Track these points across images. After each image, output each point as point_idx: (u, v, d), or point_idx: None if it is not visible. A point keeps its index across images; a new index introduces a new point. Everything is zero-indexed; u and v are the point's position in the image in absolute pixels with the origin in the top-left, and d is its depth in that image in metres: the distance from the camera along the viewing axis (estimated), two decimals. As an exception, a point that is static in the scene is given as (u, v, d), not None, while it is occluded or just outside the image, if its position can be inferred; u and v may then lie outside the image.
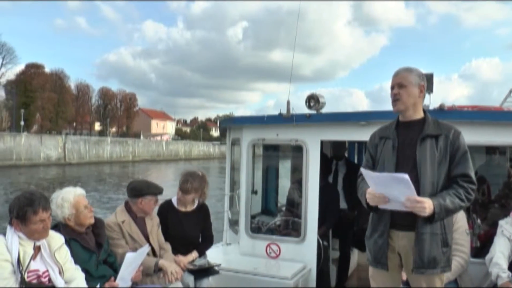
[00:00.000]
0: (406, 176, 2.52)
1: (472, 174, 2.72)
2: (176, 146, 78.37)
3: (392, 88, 2.82)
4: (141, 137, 77.75)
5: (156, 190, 3.82)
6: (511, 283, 3.24)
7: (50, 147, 52.16)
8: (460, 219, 3.65)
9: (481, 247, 3.96)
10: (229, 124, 5.31)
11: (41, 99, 63.46)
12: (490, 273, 3.40)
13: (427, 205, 2.56)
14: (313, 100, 4.47)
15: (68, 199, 3.24)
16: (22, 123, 55.74)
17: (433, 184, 2.68)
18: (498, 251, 3.42)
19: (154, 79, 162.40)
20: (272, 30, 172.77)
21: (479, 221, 4.34)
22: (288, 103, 4.57)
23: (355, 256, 6.06)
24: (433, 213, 2.58)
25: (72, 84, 74.51)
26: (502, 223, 3.62)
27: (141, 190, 3.77)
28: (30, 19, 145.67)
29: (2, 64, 61.95)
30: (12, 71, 64.22)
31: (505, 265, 3.34)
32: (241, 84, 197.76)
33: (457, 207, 2.67)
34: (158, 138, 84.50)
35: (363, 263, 5.74)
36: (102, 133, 76.89)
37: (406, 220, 2.71)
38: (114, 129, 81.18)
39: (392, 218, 2.77)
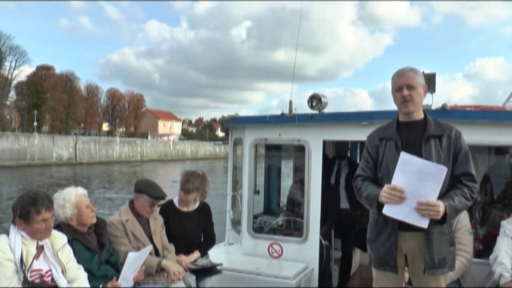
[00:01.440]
0: (445, 170, 2.51)
1: (474, 173, 2.68)
2: (183, 146, 78.56)
3: (400, 88, 2.73)
4: (149, 137, 77.67)
5: (153, 192, 3.68)
6: None
7: (62, 147, 52.57)
8: (463, 219, 3.59)
9: (484, 247, 3.89)
10: (231, 124, 5.24)
11: (52, 100, 63.55)
12: (494, 272, 3.34)
13: (441, 209, 2.52)
14: (315, 100, 4.41)
15: (70, 199, 3.20)
16: (35, 123, 55.90)
17: None
18: (503, 251, 3.37)
19: (158, 79, 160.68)
20: (276, 29, 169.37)
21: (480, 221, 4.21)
22: (290, 103, 4.49)
23: (358, 256, 5.97)
24: (445, 215, 2.54)
25: (81, 85, 74.66)
26: (504, 223, 3.57)
27: (139, 186, 3.72)
28: (34, 20, 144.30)
29: (15, 66, 62.12)
30: (23, 73, 64.47)
31: (509, 264, 3.29)
32: (245, 84, 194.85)
33: (464, 207, 2.65)
34: (165, 138, 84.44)
35: (366, 263, 5.63)
36: (109, 133, 76.87)
37: None
38: (121, 130, 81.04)
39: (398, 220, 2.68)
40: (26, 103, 59.80)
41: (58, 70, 68.03)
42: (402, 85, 2.72)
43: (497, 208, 4.53)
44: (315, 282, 4.41)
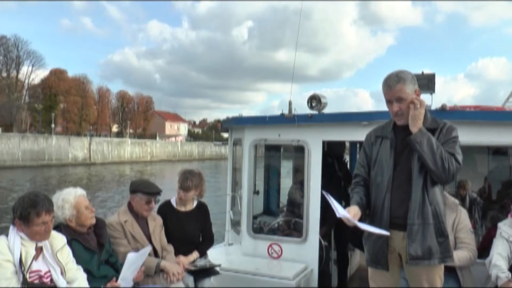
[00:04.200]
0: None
1: (459, 157, 2.51)
2: (190, 147, 78.79)
3: (390, 101, 2.60)
4: (157, 138, 77.52)
5: (147, 189, 3.57)
6: (511, 282, 3.07)
7: (77, 148, 53.36)
8: (464, 219, 3.52)
9: (484, 248, 3.72)
10: (231, 124, 5.07)
11: (66, 102, 63.56)
12: (490, 275, 3.24)
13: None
14: (315, 100, 4.27)
15: (69, 200, 3.09)
16: (52, 125, 56.17)
17: (426, 178, 2.53)
18: (497, 253, 3.28)
19: (159, 80, 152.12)
20: (278, 29, 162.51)
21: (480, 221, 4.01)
22: (290, 103, 4.35)
23: (357, 256, 5.78)
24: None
25: (94, 88, 74.48)
26: (500, 225, 3.47)
27: (133, 186, 3.60)
28: (36, 20, 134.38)
29: (32, 71, 62.36)
30: (38, 76, 64.71)
31: (504, 266, 3.20)
32: (246, 85, 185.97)
33: (437, 154, 2.46)
34: (173, 139, 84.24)
35: (365, 264, 5.40)
36: (119, 134, 76.70)
37: (406, 219, 2.56)
38: (131, 131, 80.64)
39: (391, 219, 2.61)
40: (42, 106, 59.69)
41: (53, 68, 67.46)
42: (392, 99, 2.58)
43: (496, 209, 4.31)
44: (314, 282, 4.26)
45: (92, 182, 32.71)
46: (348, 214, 2.52)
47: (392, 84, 2.56)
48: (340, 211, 2.51)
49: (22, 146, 45.62)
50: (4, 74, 58.57)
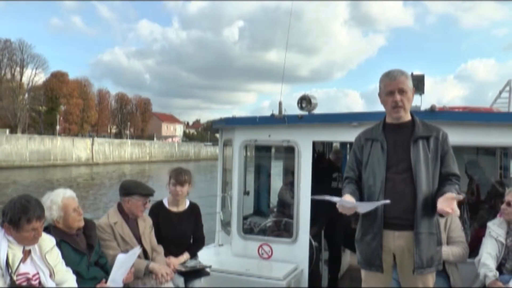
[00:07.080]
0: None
1: (459, 174, 2.56)
2: (186, 147, 78.55)
3: (392, 92, 2.52)
4: (155, 139, 76.75)
5: (144, 191, 3.46)
6: (498, 281, 3.03)
7: (80, 149, 53.47)
8: (455, 218, 3.47)
9: (472, 247, 3.60)
10: (221, 125, 4.88)
11: (68, 104, 63.07)
12: (479, 274, 3.19)
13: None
14: (305, 101, 4.18)
15: (57, 201, 2.95)
16: (57, 127, 55.58)
17: (429, 184, 2.48)
18: (486, 252, 3.23)
19: (149, 80, 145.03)
20: (269, 30, 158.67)
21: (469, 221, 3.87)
22: (280, 104, 4.21)
23: (348, 256, 5.66)
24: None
25: (94, 90, 73.52)
26: (489, 224, 3.41)
27: (128, 189, 3.44)
28: (26, 19, 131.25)
29: (35, 74, 61.68)
30: (41, 79, 63.89)
31: (492, 265, 3.15)
32: (237, 85, 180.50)
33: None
34: (169, 140, 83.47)
35: (356, 264, 5.21)
36: (117, 135, 75.95)
37: (402, 220, 2.50)
38: (128, 132, 79.70)
39: (385, 219, 2.52)
40: (45, 108, 59.02)
41: (55, 71, 65.95)
42: (394, 89, 2.52)
43: (485, 209, 4.14)
44: (305, 282, 4.13)
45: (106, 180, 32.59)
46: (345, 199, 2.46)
47: (397, 75, 2.54)
48: (336, 199, 2.42)
49: (29, 147, 45.72)
50: (9, 77, 57.94)
